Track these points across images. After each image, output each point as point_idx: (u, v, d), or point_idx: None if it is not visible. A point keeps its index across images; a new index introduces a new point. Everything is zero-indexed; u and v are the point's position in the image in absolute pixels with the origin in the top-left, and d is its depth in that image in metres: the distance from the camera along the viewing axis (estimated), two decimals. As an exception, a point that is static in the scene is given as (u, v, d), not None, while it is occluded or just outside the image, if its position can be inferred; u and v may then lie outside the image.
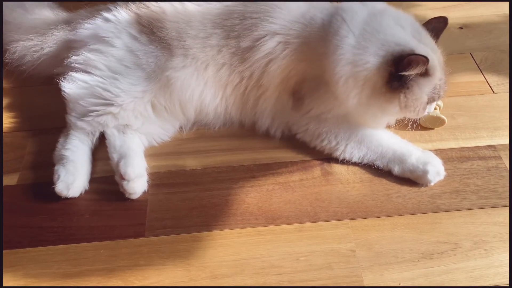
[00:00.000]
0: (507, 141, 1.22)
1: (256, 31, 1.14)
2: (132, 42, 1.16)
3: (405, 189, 1.12)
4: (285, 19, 1.14)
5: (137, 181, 1.09)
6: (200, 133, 1.26)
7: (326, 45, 1.10)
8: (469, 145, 1.22)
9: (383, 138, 1.16)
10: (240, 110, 1.22)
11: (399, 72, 1.04)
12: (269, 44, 1.13)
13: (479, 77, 1.39)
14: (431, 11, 1.61)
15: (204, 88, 1.18)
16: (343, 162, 1.18)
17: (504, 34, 1.51)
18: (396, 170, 1.13)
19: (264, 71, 1.15)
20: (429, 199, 1.10)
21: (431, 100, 1.11)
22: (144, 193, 1.12)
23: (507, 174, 1.15)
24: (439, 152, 1.19)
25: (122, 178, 1.08)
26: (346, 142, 1.16)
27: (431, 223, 1.06)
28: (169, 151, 1.22)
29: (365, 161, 1.16)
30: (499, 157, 1.19)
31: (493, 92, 1.35)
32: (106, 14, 1.20)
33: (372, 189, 1.13)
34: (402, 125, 1.22)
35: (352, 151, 1.16)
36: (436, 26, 1.16)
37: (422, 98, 1.08)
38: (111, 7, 1.22)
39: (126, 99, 1.14)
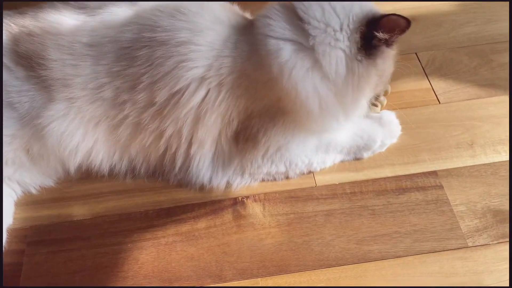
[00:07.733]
0: (450, 165, 1.06)
1: (174, 82, 0.91)
2: (5, 75, 0.94)
3: (328, 234, 0.96)
4: (208, 57, 0.91)
5: None
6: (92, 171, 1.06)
7: (267, 71, 0.90)
8: (407, 172, 1.05)
9: (343, 135, 1.06)
10: (159, 170, 1.02)
11: (374, 32, 0.88)
12: (199, 94, 0.92)
13: (424, 84, 1.20)
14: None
15: (95, 146, 0.97)
16: (260, 199, 1.01)
17: (455, 28, 1.31)
18: (365, 156, 1.09)
19: (196, 124, 0.94)
20: (355, 246, 0.95)
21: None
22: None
23: (448, 208, 0.99)
24: (371, 183, 1.03)
25: None
26: (316, 157, 1.05)
27: (355, 277, 0.91)
28: (53, 197, 1.03)
29: (337, 162, 1.08)
30: (441, 186, 1.02)
31: (439, 102, 1.17)
32: None
33: (290, 235, 0.96)
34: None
35: (324, 160, 1.06)
36: None
37: (391, 66, 0.99)
38: None
39: None
